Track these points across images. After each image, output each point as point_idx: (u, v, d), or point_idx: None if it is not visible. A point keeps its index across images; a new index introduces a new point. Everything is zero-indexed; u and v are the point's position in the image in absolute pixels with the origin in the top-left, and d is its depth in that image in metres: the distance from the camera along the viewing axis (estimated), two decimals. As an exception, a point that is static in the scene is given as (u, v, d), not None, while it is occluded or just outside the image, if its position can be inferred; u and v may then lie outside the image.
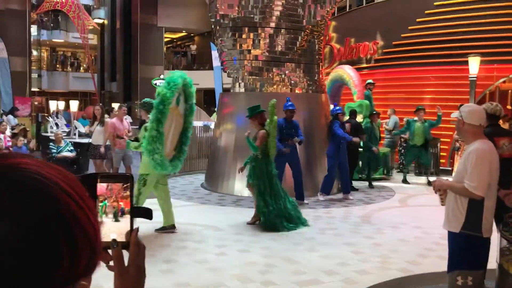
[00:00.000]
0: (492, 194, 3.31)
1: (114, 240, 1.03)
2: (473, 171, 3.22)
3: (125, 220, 1.06)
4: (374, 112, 11.21)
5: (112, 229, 1.06)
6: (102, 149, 9.67)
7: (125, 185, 1.07)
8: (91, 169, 11.63)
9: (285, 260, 5.43)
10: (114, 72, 30.85)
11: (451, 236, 3.41)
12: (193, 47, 27.70)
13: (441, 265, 4.93)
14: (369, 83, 12.29)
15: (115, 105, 18.16)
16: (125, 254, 1.01)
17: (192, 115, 6.85)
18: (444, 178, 3.68)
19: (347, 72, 13.05)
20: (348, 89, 13.30)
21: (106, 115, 10.55)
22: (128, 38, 28.76)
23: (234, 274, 4.95)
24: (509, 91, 15.71)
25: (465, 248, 3.34)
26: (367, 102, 11.57)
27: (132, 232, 1.06)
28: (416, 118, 10.87)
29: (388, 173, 12.02)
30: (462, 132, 3.44)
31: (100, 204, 1.05)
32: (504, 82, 13.53)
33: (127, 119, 10.05)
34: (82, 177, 1.01)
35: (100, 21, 31.66)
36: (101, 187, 1.05)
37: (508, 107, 14.47)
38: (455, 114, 3.55)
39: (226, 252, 5.71)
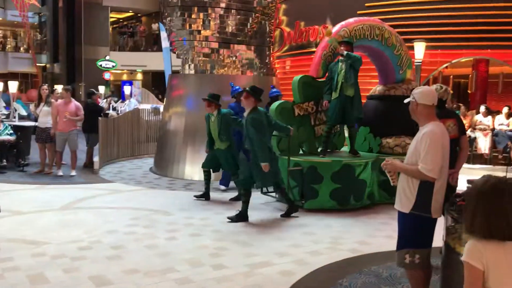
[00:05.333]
0: (443, 176, 3.38)
1: None
2: (427, 154, 3.27)
3: None
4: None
5: None
6: (52, 131, 9.24)
7: None
8: (33, 153, 11.12)
9: (237, 243, 5.38)
10: (57, 52, 29.52)
11: (401, 216, 3.46)
12: (155, 26, 26.37)
13: (390, 245, 5.06)
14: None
15: (58, 87, 17.40)
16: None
17: None
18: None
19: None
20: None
21: (49, 97, 10.05)
22: (71, 17, 27.53)
23: (185, 258, 4.86)
24: (451, 76, 16.34)
25: (414, 227, 3.41)
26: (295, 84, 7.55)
27: None
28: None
29: None
30: (416, 114, 3.47)
31: None
32: (446, 67, 14.02)
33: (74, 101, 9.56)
34: None
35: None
36: None
37: (450, 92, 15.02)
38: (408, 99, 3.59)
39: (177, 236, 5.60)
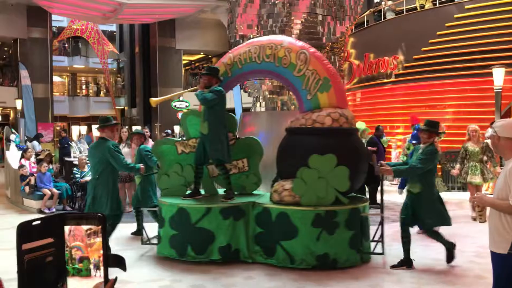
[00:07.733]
0: None
1: None
2: None
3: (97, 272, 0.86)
4: None
5: (83, 284, 0.87)
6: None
7: (93, 229, 0.86)
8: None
9: (314, 282, 5.26)
10: (134, 95, 31.25)
11: (498, 257, 3.22)
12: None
13: (480, 285, 4.72)
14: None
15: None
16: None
17: None
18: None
19: None
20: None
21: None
22: (147, 61, 29.15)
23: (264, 298, 4.81)
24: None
25: (513, 269, 3.16)
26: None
27: (106, 285, 0.87)
28: None
29: None
30: (498, 148, 3.32)
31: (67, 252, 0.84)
32: (530, 93, 13.24)
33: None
34: (48, 218, 0.86)
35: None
36: (67, 230, 0.86)
37: (535, 118, 14.11)
38: (489, 132, 3.43)
39: (254, 276, 5.57)
